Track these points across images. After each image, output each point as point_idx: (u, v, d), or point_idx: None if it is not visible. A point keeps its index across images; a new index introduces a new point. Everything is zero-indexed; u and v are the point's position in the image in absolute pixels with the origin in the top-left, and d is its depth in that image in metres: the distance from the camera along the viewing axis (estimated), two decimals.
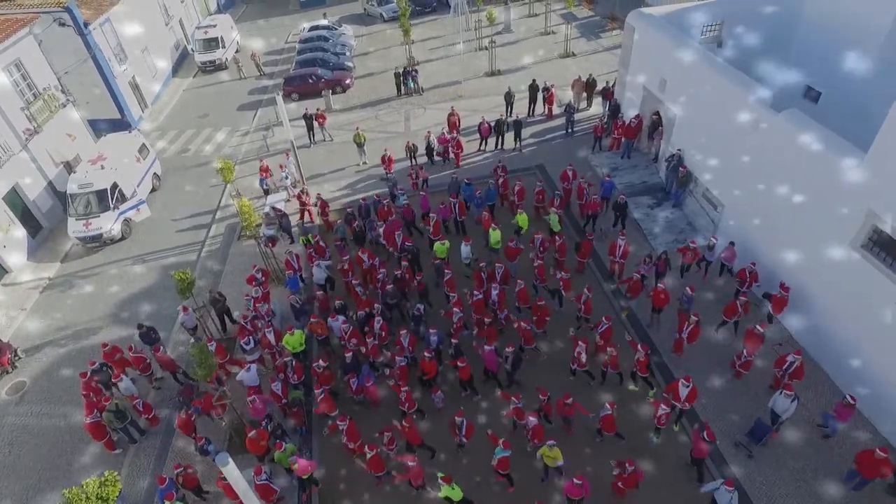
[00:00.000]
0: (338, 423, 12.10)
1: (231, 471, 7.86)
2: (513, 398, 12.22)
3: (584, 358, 13.20)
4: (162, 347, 14.48)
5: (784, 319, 14.39)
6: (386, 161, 21.20)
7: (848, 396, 11.50)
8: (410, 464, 11.19)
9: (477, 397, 13.86)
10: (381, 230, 17.73)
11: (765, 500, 11.32)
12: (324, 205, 19.43)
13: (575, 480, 10.59)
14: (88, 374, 13.78)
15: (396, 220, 18.18)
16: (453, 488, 10.83)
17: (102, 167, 20.77)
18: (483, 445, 12.21)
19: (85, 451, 13.86)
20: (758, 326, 13.01)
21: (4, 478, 13.56)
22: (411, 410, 12.94)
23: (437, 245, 16.55)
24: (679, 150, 18.19)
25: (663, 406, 11.88)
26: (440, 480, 10.87)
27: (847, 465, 11.55)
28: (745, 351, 12.96)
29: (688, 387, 11.72)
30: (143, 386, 14.96)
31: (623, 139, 21.11)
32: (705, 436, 11.04)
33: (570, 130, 23.43)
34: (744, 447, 12.01)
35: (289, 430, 13.37)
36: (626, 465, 10.81)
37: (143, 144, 23.49)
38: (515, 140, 22.84)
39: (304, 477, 11.48)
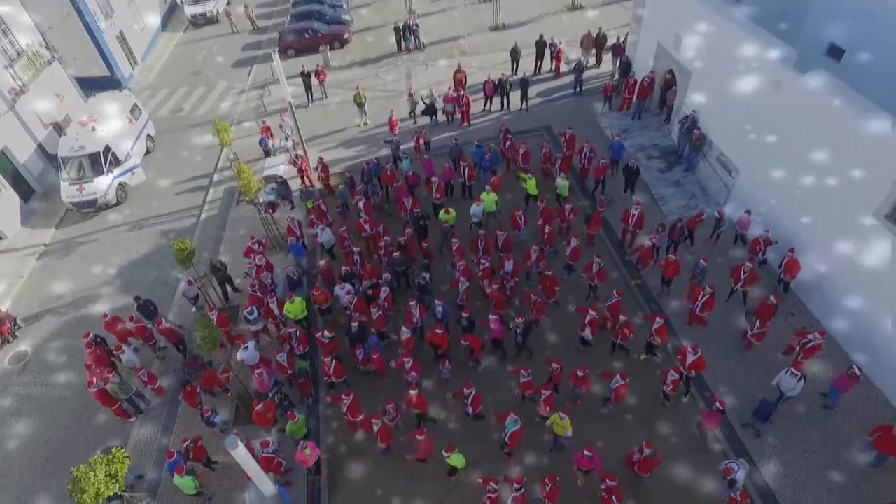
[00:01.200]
0: (342, 396, 11.95)
1: (241, 453, 7.69)
2: (522, 371, 12.05)
3: (589, 330, 12.96)
4: (164, 319, 14.19)
5: (799, 290, 14.12)
6: (391, 123, 20.40)
7: (855, 367, 11.33)
8: (420, 437, 11.13)
9: (481, 367, 13.71)
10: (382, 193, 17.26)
11: (773, 475, 11.30)
12: (325, 168, 18.81)
13: (585, 452, 10.52)
14: (93, 343, 13.53)
15: (402, 186, 17.57)
16: (457, 456, 10.95)
17: (94, 129, 20.01)
18: (489, 414, 12.23)
19: (93, 421, 13.80)
20: (771, 297, 12.75)
21: (12, 449, 13.52)
22: (417, 378, 12.83)
23: (441, 214, 16.07)
24: (693, 111, 17.47)
25: (673, 372, 11.73)
26: (444, 452, 10.89)
27: (857, 437, 11.54)
28: (757, 322, 12.72)
29: (694, 355, 11.54)
30: (146, 356, 14.79)
31: (634, 99, 20.31)
32: (718, 405, 10.96)
33: (578, 89, 22.54)
34: (751, 427, 11.93)
35: (295, 401, 13.28)
36: (646, 447, 10.64)
37: (135, 104, 22.61)
38: (521, 100, 21.99)
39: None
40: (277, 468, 11.45)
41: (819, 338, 11.73)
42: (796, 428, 11.92)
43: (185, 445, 11.46)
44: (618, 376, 11.85)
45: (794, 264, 13.19)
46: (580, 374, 11.82)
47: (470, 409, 12.01)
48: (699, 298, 12.98)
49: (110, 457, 9.46)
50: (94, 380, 12.65)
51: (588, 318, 12.90)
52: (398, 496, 11.75)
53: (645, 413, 12.50)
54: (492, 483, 10.26)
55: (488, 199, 16.22)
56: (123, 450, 9.67)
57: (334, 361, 12.81)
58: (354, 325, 13.19)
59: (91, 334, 13.85)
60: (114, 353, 13.49)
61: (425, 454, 11.46)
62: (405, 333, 13.14)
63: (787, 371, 11.42)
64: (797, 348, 12.09)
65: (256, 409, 11.72)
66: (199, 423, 12.86)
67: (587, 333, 13.03)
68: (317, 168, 18.95)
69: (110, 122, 20.64)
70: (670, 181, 17.96)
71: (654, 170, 18.36)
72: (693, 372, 11.79)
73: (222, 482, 12.29)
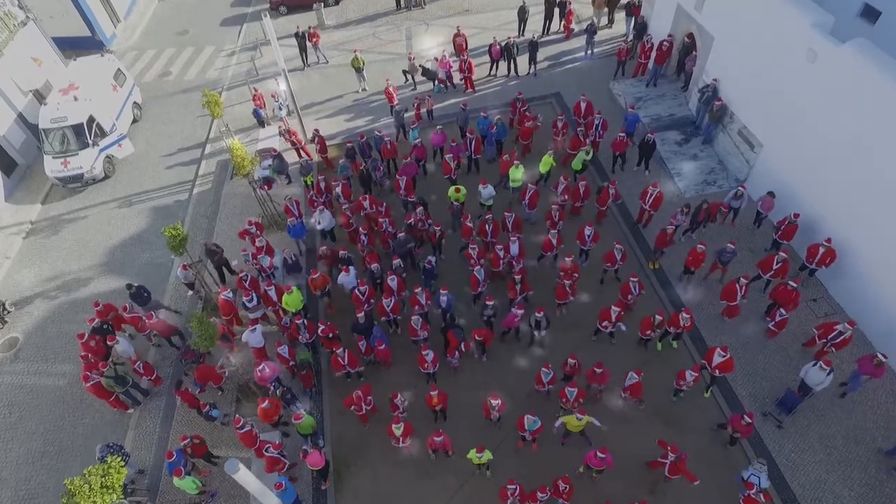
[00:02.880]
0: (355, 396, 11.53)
1: (242, 476, 7.22)
2: (544, 368, 11.53)
3: (610, 321, 12.42)
4: (154, 314, 13.53)
5: (821, 275, 13.51)
6: (389, 93, 19.15)
7: (880, 355, 10.86)
8: (437, 439, 10.78)
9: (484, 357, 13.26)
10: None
11: (793, 469, 11.00)
12: (322, 141, 17.77)
13: (598, 454, 10.14)
14: (86, 334, 12.94)
15: (412, 163, 16.55)
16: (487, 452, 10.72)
17: (75, 98, 18.82)
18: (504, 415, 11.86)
19: (90, 411, 13.38)
20: (790, 282, 12.14)
21: (7, 441, 13.17)
22: (432, 372, 12.40)
23: (451, 192, 15.21)
24: (714, 79, 16.36)
25: (691, 372, 11.25)
26: (477, 453, 10.55)
27: (881, 432, 11.18)
28: (780, 310, 12.15)
29: (724, 357, 11.01)
30: (141, 343, 14.28)
31: (650, 64, 19.10)
32: (746, 418, 10.48)
33: (590, 52, 21.23)
34: (773, 417, 11.54)
35: (298, 393, 12.85)
36: (671, 451, 10.19)
37: (119, 70, 21.24)
38: (529, 63, 20.72)
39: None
40: (282, 467, 11.08)
41: (849, 328, 11.17)
42: (816, 423, 11.55)
43: (183, 444, 11.05)
44: (632, 373, 11.36)
45: (831, 254, 12.47)
46: (597, 370, 11.34)
47: (497, 415, 11.59)
48: (738, 292, 12.32)
49: (106, 466, 9.03)
50: (90, 374, 12.13)
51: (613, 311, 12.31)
52: (407, 489, 11.48)
53: (661, 409, 12.09)
54: (510, 486, 9.91)
55: (516, 172, 15.34)
56: (120, 459, 9.22)
57: (346, 351, 12.26)
58: (360, 315, 12.57)
59: (96, 321, 13.24)
60: (108, 343, 12.88)
61: (450, 447, 11.29)
62: (415, 322, 12.60)
63: (815, 364, 10.91)
64: (823, 341, 11.57)
65: (263, 405, 11.24)
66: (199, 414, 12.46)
67: (610, 326, 12.47)
68: (312, 140, 17.90)
69: (93, 90, 19.40)
70: (687, 155, 17.03)
71: (671, 142, 17.39)
72: (718, 372, 11.29)
73: (225, 477, 11.88)
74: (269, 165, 17.17)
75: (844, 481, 10.78)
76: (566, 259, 12.96)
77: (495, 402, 11.07)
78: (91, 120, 18.82)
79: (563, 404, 11.68)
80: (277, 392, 12.05)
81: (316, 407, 12.89)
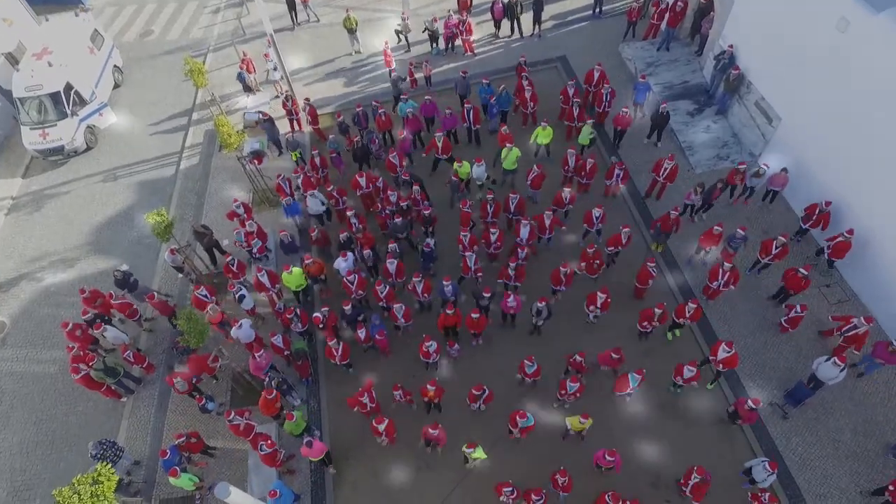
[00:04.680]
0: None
1: (236, 498, 6.90)
2: (526, 361, 11.16)
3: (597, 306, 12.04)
4: (155, 294, 13.02)
5: (842, 268, 12.99)
6: (385, 56, 17.97)
7: (894, 342, 10.53)
8: (433, 431, 10.49)
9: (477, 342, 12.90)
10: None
11: (799, 463, 10.82)
12: (313, 111, 16.78)
13: (607, 456, 9.90)
14: (70, 323, 12.48)
15: (407, 138, 15.60)
16: (479, 450, 10.48)
17: (50, 64, 17.65)
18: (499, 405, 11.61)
19: (81, 399, 13.06)
20: (801, 269, 11.62)
21: (0, 430, 12.94)
22: (434, 361, 12.06)
23: (456, 166, 14.40)
24: (731, 46, 15.27)
25: (689, 367, 10.87)
26: (466, 448, 10.32)
27: (891, 426, 10.94)
28: (798, 306, 11.61)
29: (728, 352, 10.64)
30: (132, 330, 13.85)
31: (662, 26, 17.86)
32: (750, 403, 10.21)
33: (598, 11, 19.90)
34: (779, 408, 11.27)
35: (294, 383, 12.54)
36: (696, 472, 9.77)
37: (96, 31, 19.85)
38: (534, 24, 19.44)
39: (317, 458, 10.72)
40: (281, 461, 10.88)
41: (865, 324, 10.74)
42: (825, 416, 11.30)
43: (178, 441, 10.78)
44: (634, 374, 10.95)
45: (846, 246, 11.90)
46: (614, 355, 11.08)
47: (483, 406, 11.32)
48: (720, 274, 11.87)
49: (96, 474, 8.73)
50: (78, 366, 11.74)
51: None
52: (406, 483, 11.33)
53: (666, 402, 11.81)
54: (505, 489, 9.71)
55: (510, 155, 14.43)
56: (111, 466, 8.92)
57: (342, 344, 11.87)
58: (347, 307, 12.08)
59: (90, 313, 12.75)
60: (95, 330, 12.43)
61: (442, 443, 11.02)
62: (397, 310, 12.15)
63: (828, 359, 10.53)
64: (838, 333, 11.16)
65: (267, 397, 10.89)
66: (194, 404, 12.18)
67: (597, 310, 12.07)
68: (304, 110, 16.92)
69: (68, 54, 18.19)
70: (699, 127, 16.14)
71: (682, 113, 16.44)
72: (723, 367, 10.92)
73: (223, 470, 11.82)
74: (260, 141, 16.25)
75: (851, 476, 10.62)
76: (588, 250, 12.46)
77: (478, 393, 10.95)
78: (68, 87, 17.72)
79: (560, 395, 11.37)
80: (273, 382, 11.70)
81: (313, 397, 12.62)
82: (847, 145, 12.19)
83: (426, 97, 16.18)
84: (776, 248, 12.18)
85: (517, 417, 10.32)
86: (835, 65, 12.02)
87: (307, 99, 16.82)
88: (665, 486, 10.81)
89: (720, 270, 11.87)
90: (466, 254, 12.67)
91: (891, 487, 9.53)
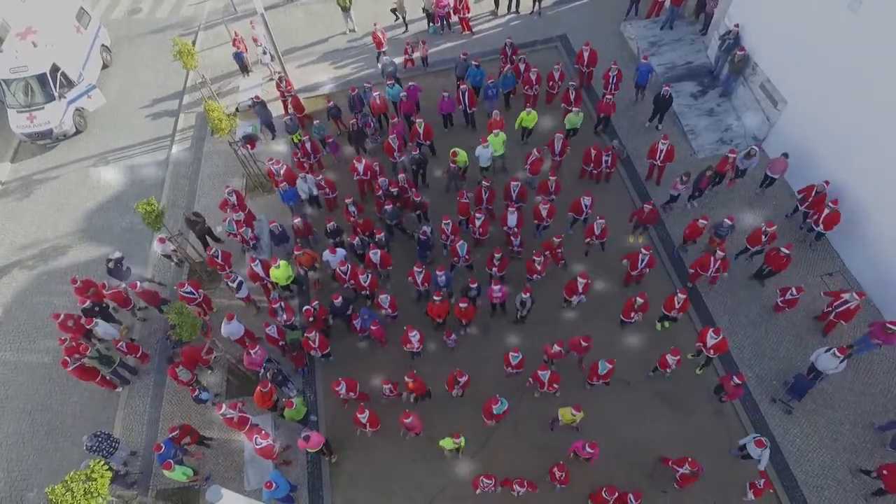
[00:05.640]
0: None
1: (227, 501, 6.82)
2: (512, 353, 11.01)
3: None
4: (137, 283, 12.86)
5: (842, 249, 12.77)
6: (377, 38, 17.38)
7: (888, 324, 10.37)
8: (407, 421, 10.37)
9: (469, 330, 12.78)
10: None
11: (797, 454, 10.77)
12: (296, 100, 16.30)
13: (587, 448, 9.82)
14: (62, 315, 12.31)
15: (400, 122, 15.19)
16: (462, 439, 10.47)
17: (35, 44, 17.16)
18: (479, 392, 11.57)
19: (76, 389, 12.96)
20: (783, 249, 11.44)
21: None
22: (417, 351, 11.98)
23: (457, 150, 14.07)
24: (737, 25, 14.79)
25: (671, 356, 10.73)
26: (454, 439, 10.25)
27: (890, 417, 10.87)
28: (793, 288, 11.45)
29: (716, 339, 10.54)
30: (126, 319, 13.70)
31: (666, 3, 17.30)
32: (735, 379, 10.15)
33: None
34: (783, 403, 11.16)
35: (289, 373, 12.43)
36: (689, 465, 9.74)
37: (82, 9, 19.26)
38: (534, 1, 18.85)
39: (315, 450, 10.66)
40: (277, 454, 10.83)
41: (857, 298, 10.62)
42: (824, 407, 11.21)
43: (173, 434, 10.71)
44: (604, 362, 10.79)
45: (835, 217, 11.72)
46: (584, 343, 11.03)
47: (461, 392, 11.36)
48: (713, 263, 11.65)
49: (89, 471, 8.65)
50: (69, 358, 11.60)
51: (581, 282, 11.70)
52: (403, 473, 11.31)
53: (663, 391, 11.72)
54: (483, 479, 9.71)
55: (496, 140, 14.08)
56: (103, 462, 8.84)
57: (318, 335, 11.72)
58: (338, 301, 11.89)
59: (87, 303, 12.56)
60: (86, 325, 12.26)
61: (417, 430, 10.96)
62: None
63: (828, 350, 10.41)
64: (829, 310, 11.05)
65: (260, 390, 10.81)
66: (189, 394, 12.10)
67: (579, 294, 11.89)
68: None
69: (53, 34, 17.67)
70: (703, 109, 15.74)
71: (685, 95, 16.02)
72: (714, 353, 10.83)
73: (218, 460, 11.79)
74: (252, 125, 15.86)
75: (849, 468, 10.57)
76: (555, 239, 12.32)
77: (462, 379, 10.92)
78: (55, 69, 17.25)
79: (531, 384, 11.32)
80: (268, 374, 11.59)
81: (308, 387, 12.54)
82: (856, 131, 11.85)
83: (410, 82, 15.61)
84: (765, 235, 11.91)
85: (492, 405, 10.28)
86: (846, 46, 11.60)
87: (289, 89, 16.37)
88: (661, 476, 10.77)
89: (712, 259, 11.65)
90: (458, 243, 12.45)
91: (885, 472, 9.48)
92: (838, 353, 10.23)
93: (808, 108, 13.12)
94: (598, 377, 10.83)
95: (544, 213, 12.91)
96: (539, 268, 12.05)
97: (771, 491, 10.21)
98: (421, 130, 14.58)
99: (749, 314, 12.43)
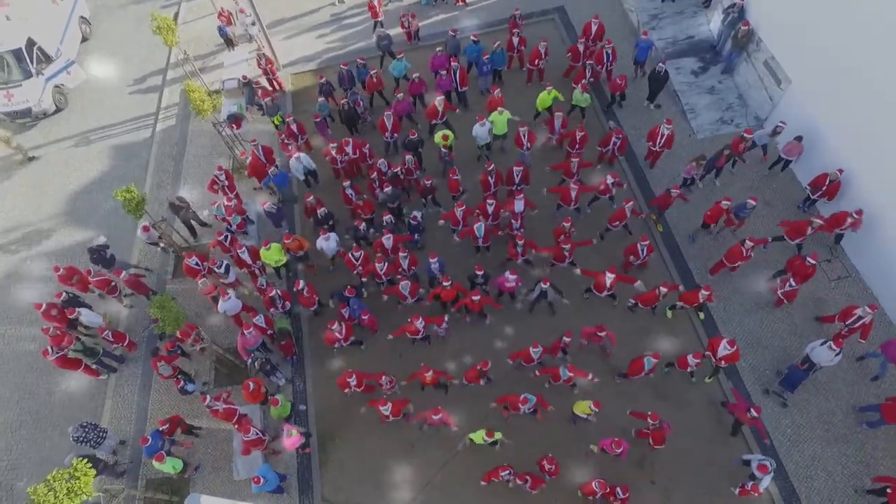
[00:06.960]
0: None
1: None
2: (532, 349, 10.77)
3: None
4: (122, 270, 12.61)
5: (846, 244, 12.49)
6: (372, 6, 16.63)
7: None
8: (435, 417, 10.28)
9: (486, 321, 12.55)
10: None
11: (788, 446, 10.70)
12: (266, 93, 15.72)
13: (615, 447, 9.72)
14: (44, 305, 12.08)
15: (405, 100, 14.56)
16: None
17: (7, 18, 16.45)
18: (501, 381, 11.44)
19: (63, 378, 12.80)
20: (809, 258, 11.03)
21: None
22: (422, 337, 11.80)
23: (437, 137, 13.59)
24: None
25: (692, 357, 10.51)
26: (485, 436, 10.06)
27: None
28: (791, 280, 11.23)
29: (729, 350, 10.23)
30: (113, 306, 13.48)
31: None
32: (753, 412, 9.82)
33: None
34: (778, 395, 11.04)
35: (278, 362, 12.29)
36: (650, 418, 9.90)
37: None
38: None
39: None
40: (266, 445, 10.78)
41: (870, 312, 10.28)
42: (817, 397, 11.08)
43: (162, 428, 10.61)
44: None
45: (858, 224, 11.37)
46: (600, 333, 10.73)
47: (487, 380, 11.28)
48: (743, 254, 11.29)
49: (72, 470, 8.57)
50: (50, 349, 11.41)
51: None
52: (393, 463, 11.26)
53: (656, 382, 11.58)
54: (501, 473, 9.66)
55: (500, 119, 13.54)
56: (86, 461, 8.75)
57: (344, 325, 11.33)
58: (352, 295, 11.68)
59: (63, 294, 12.32)
60: (70, 316, 12.03)
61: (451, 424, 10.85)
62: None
63: (824, 343, 10.20)
64: (841, 324, 10.73)
65: (247, 391, 10.66)
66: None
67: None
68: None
69: (28, 6, 16.92)
70: (704, 87, 15.19)
71: (686, 72, 15.44)
72: (724, 363, 10.60)
73: (208, 449, 11.75)
74: (237, 103, 15.32)
75: (839, 458, 10.52)
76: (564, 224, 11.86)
77: (485, 369, 10.77)
78: (31, 43, 16.60)
79: (545, 376, 11.15)
80: (256, 364, 11.44)
81: (298, 376, 12.41)
82: (863, 113, 11.38)
83: (415, 75, 14.87)
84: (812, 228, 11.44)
85: (519, 405, 10.09)
86: (855, 22, 11.03)
87: (270, 66, 15.80)
88: (651, 465, 10.75)
89: (742, 249, 11.25)
90: (476, 224, 12.06)
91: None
92: (834, 347, 10.04)
93: (813, 88, 12.60)
94: (644, 372, 10.64)
95: (573, 195, 12.45)
96: (567, 255, 11.74)
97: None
98: (440, 108, 13.93)
99: (744, 302, 12.22)
